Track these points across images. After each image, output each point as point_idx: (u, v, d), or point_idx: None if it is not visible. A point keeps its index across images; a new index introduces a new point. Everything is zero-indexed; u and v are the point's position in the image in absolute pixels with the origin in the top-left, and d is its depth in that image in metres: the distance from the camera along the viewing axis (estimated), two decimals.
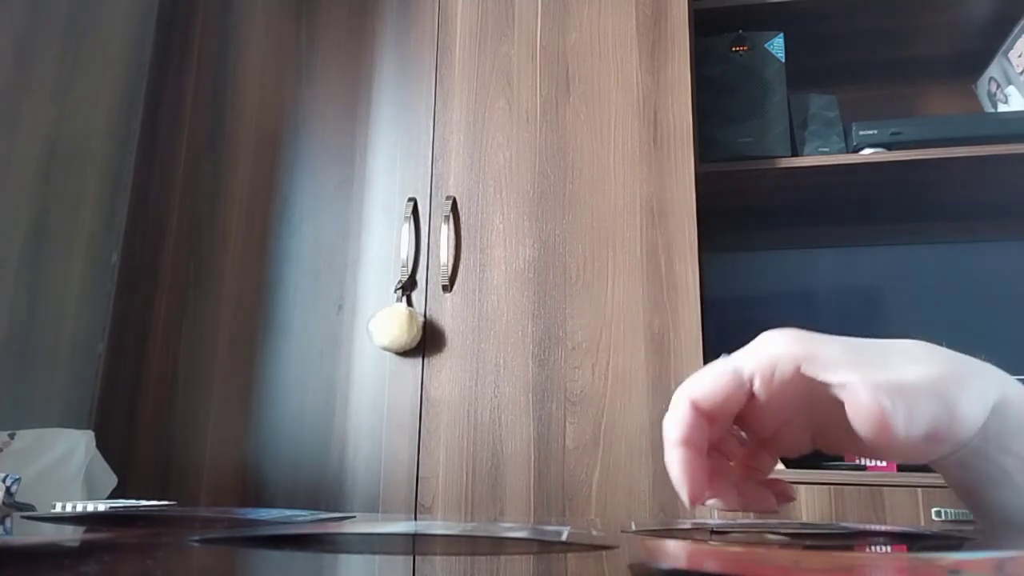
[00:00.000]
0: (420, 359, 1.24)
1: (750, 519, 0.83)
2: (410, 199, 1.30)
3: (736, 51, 1.44)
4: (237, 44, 1.48)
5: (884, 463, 1.10)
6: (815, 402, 0.32)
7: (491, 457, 1.17)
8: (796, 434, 0.36)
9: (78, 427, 1.17)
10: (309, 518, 0.44)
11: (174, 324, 1.35)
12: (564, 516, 1.12)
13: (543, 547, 0.31)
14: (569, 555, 0.28)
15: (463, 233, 1.28)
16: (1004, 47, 1.48)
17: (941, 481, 0.36)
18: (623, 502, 1.12)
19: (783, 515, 1.08)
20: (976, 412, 0.31)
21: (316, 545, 0.32)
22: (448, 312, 1.25)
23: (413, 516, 1.13)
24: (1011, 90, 1.47)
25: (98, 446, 1.15)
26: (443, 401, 1.21)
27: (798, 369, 0.32)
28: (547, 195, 1.27)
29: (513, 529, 0.38)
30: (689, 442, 0.33)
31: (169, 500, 1.07)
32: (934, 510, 1.05)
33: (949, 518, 1.04)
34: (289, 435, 1.25)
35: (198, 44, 1.50)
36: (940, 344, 0.33)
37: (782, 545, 0.34)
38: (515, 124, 1.31)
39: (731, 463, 0.37)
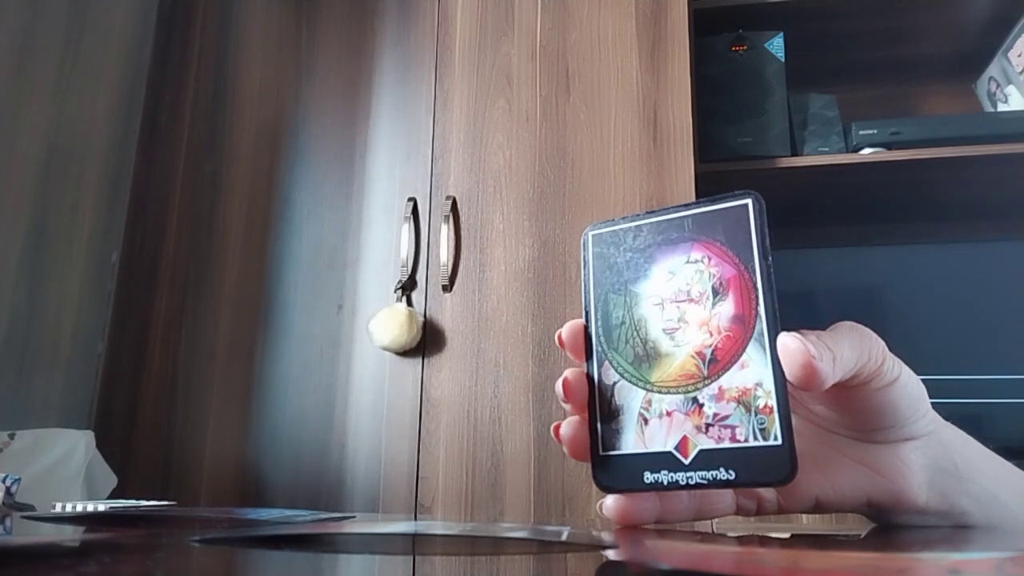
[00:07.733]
0: (420, 359, 1.23)
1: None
2: (410, 199, 1.30)
3: (736, 51, 1.44)
4: (237, 43, 1.48)
5: None
6: None
7: (491, 457, 1.17)
8: None
9: (78, 427, 1.17)
10: (309, 518, 0.44)
11: (174, 324, 1.35)
12: (564, 516, 1.12)
13: (543, 547, 0.31)
14: (569, 555, 0.28)
15: (463, 233, 1.28)
16: (1004, 47, 1.48)
17: None
18: None
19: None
20: (888, 358, 0.31)
21: (316, 545, 0.32)
22: (448, 312, 1.25)
23: (413, 516, 1.13)
24: (1011, 90, 1.47)
25: (98, 446, 1.15)
26: (443, 401, 1.21)
27: None
28: (547, 195, 1.27)
29: (513, 529, 0.38)
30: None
31: (169, 500, 1.07)
32: None
33: None
34: (289, 435, 1.25)
35: (198, 44, 1.50)
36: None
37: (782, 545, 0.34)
38: (515, 124, 1.31)
39: None
